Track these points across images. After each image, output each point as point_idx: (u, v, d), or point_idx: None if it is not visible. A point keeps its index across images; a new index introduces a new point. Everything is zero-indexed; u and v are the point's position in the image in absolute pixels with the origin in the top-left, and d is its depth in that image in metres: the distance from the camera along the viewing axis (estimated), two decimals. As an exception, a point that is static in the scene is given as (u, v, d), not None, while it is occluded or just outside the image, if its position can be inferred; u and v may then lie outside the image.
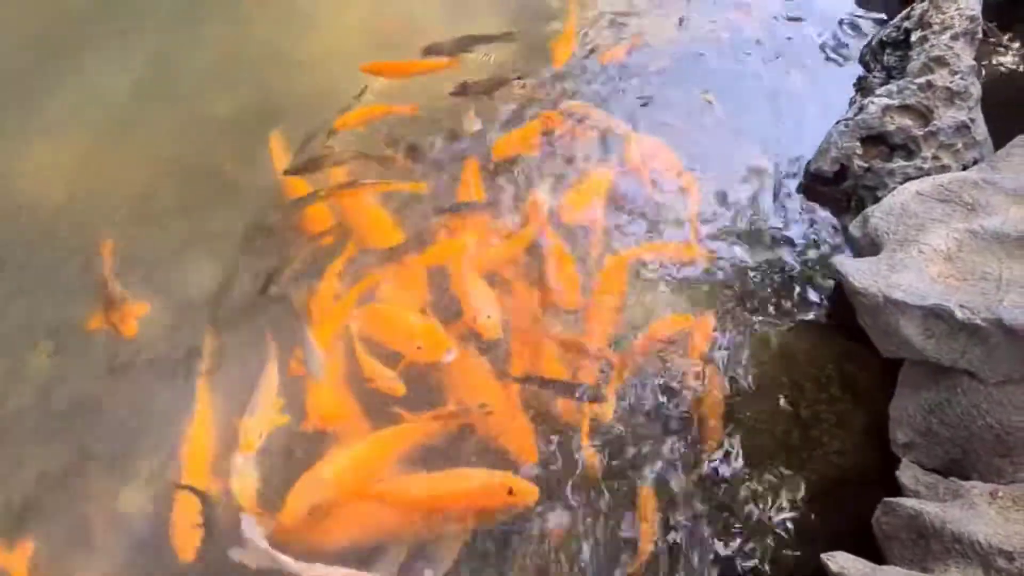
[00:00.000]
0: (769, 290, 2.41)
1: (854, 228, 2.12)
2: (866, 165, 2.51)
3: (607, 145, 2.84)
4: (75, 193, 2.65)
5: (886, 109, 2.52)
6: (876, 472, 1.98)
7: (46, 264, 2.47)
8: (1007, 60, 2.96)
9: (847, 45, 3.18)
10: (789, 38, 3.23)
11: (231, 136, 2.82)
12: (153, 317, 2.33)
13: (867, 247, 2.07)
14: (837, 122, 2.64)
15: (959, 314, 1.71)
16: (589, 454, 2.04)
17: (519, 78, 3.04)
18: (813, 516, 1.98)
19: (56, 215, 2.61)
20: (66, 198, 2.64)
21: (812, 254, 2.50)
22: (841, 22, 3.28)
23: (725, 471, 2.05)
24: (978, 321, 1.69)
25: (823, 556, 1.64)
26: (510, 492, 1.91)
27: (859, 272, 1.87)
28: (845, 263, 1.95)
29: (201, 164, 2.72)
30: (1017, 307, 1.67)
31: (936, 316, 1.75)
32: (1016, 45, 3.01)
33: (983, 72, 2.91)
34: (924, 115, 2.49)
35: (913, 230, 1.96)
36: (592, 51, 3.19)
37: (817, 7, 3.37)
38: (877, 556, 1.77)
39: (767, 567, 1.89)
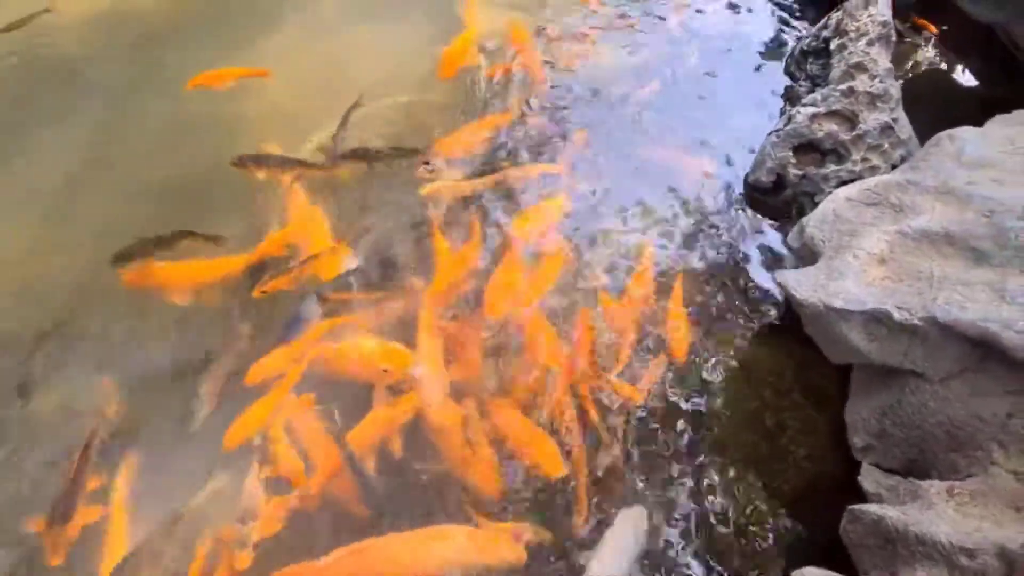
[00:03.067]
0: (723, 305, 2.44)
1: (792, 239, 2.17)
2: (801, 172, 2.57)
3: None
4: (19, 280, 2.61)
5: (814, 117, 2.60)
6: (846, 476, 2.00)
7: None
8: (923, 58, 3.08)
9: (776, 56, 3.29)
10: (729, 50, 3.32)
11: (177, 208, 2.79)
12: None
13: (807, 256, 2.11)
14: (769, 133, 2.71)
15: (897, 316, 1.74)
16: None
17: (427, 162, 2.84)
18: (787, 527, 1.98)
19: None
20: (9, 286, 2.60)
21: (761, 265, 2.54)
22: (768, 35, 3.39)
23: (696, 488, 2.05)
24: (915, 321, 1.72)
25: (793, 573, 1.64)
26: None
27: (799, 284, 1.90)
28: (785, 276, 1.98)
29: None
30: (950, 304, 1.71)
31: (876, 320, 1.78)
32: (931, 43, 3.14)
33: (908, 71, 3.03)
34: (850, 119, 2.57)
35: (847, 236, 2.00)
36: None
37: (744, 22, 3.47)
38: (850, 563, 1.78)
39: (744, 585, 1.89)
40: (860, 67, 2.61)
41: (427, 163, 2.84)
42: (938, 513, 1.58)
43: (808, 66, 2.95)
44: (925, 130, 2.50)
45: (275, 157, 2.89)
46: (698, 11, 3.57)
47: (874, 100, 2.54)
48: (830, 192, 2.36)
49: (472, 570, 1.88)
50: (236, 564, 1.90)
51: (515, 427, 2.14)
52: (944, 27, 3.16)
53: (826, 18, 2.94)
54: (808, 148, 2.60)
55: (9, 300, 2.57)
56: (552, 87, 3.20)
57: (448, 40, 3.41)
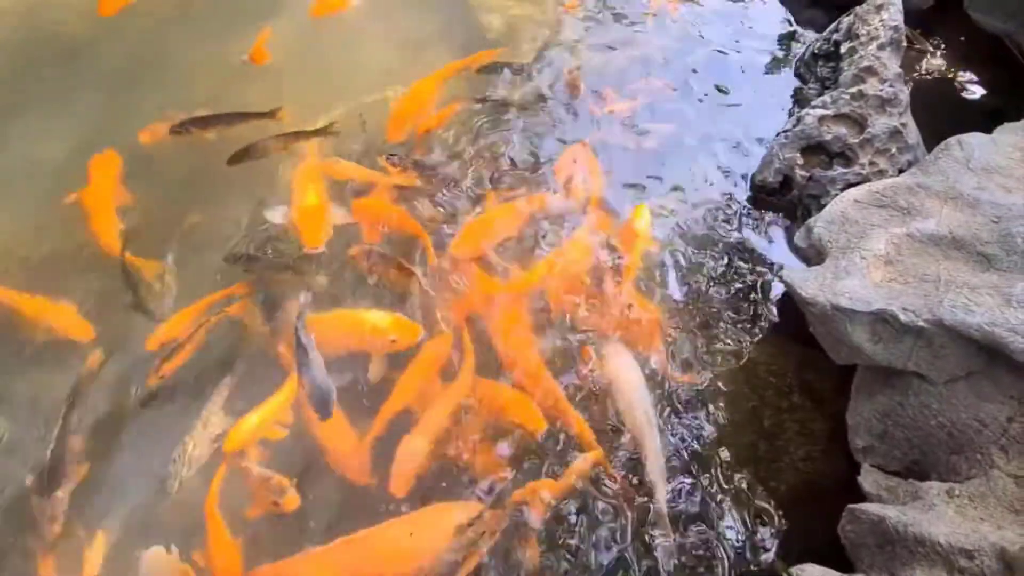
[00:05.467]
0: (726, 304, 2.44)
1: (799, 239, 2.17)
2: (808, 174, 2.57)
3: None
4: (21, 259, 2.58)
5: (822, 119, 2.61)
6: (844, 477, 2.01)
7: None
8: (932, 65, 3.09)
9: (784, 59, 3.28)
10: (738, 51, 3.31)
11: (179, 192, 2.76)
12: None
13: (813, 256, 2.11)
14: (777, 134, 2.71)
15: (903, 317, 1.75)
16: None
17: (393, 155, 2.72)
18: (785, 527, 1.99)
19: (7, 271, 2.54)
20: (11, 264, 2.57)
21: (764, 265, 2.54)
22: (777, 37, 3.39)
23: (695, 486, 2.05)
24: (921, 323, 1.73)
25: (792, 570, 1.64)
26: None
27: (805, 283, 1.90)
28: (792, 275, 1.98)
29: (150, 219, 2.67)
30: (956, 307, 1.71)
31: (882, 321, 1.79)
32: (940, 51, 3.15)
33: (916, 77, 3.04)
34: (859, 123, 2.57)
35: (854, 237, 2.01)
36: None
37: (753, 24, 3.47)
38: (848, 563, 1.78)
39: (741, 583, 1.89)
40: (870, 71, 2.62)
41: (392, 155, 2.73)
42: (938, 514, 1.58)
43: (818, 69, 2.95)
44: (932, 136, 2.52)
45: (218, 116, 2.81)
46: (706, 8, 3.56)
47: (883, 104, 2.54)
48: (836, 194, 2.37)
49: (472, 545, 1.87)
50: (286, 507, 1.94)
51: (494, 394, 2.16)
52: (962, 37, 3.17)
53: (837, 21, 2.95)
54: (816, 150, 2.61)
55: (10, 280, 2.54)
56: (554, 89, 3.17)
57: (458, 32, 3.39)
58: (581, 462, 2.00)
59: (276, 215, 2.59)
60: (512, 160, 2.86)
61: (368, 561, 1.87)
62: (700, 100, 3.10)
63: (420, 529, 1.91)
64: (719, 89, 3.15)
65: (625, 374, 2.15)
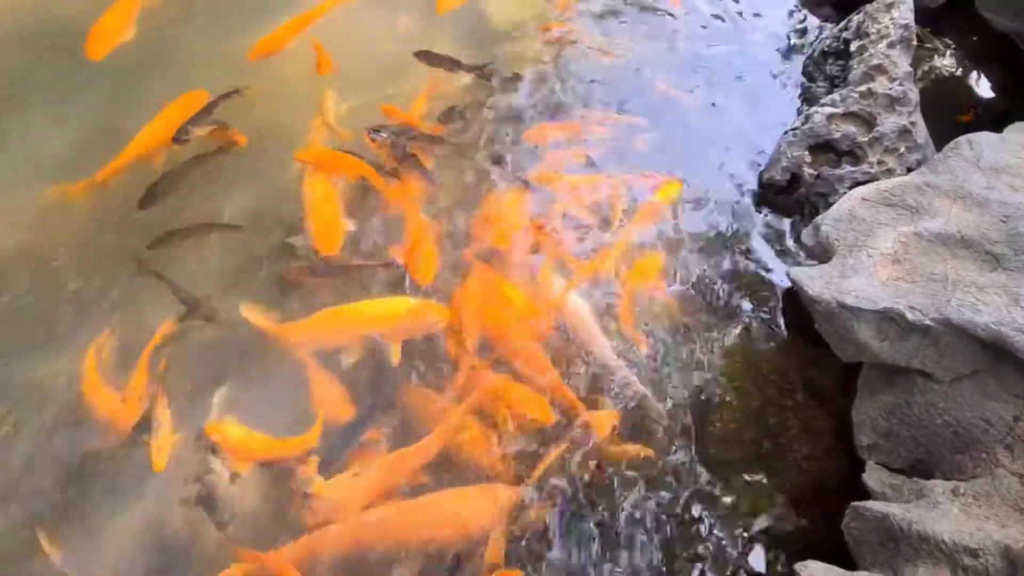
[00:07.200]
0: (730, 301, 2.45)
1: (806, 237, 2.17)
2: (816, 172, 2.57)
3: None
4: (25, 251, 2.60)
5: (831, 117, 2.60)
6: (847, 476, 2.01)
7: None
8: (941, 64, 3.08)
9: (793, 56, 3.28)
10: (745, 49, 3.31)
11: (184, 187, 2.77)
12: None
13: (820, 255, 2.11)
14: (785, 132, 2.71)
15: (910, 316, 1.75)
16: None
17: (377, 130, 2.77)
18: (788, 524, 2.00)
19: (11, 267, 2.56)
20: (16, 254, 2.60)
21: (770, 263, 2.54)
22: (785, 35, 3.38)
23: (697, 484, 2.06)
24: (928, 322, 1.73)
25: (796, 566, 1.65)
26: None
27: (812, 280, 1.91)
28: (798, 272, 1.99)
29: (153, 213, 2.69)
30: (963, 306, 1.71)
31: (889, 319, 1.79)
32: (949, 50, 3.14)
33: (925, 76, 3.03)
34: (868, 121, 2.57)
35: (862, 235, 2.01)
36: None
37: (761, 21, 3.46)
38: (851, 561, 1.79)
39: (744, 579, 1.90)
40: (880, 69, 2.61)
41: (377, 131, 2.77)
42: (942, 512, 1.59)
43: (827, 67, 2.94)
44: (941, 135, 2.51)
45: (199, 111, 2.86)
46: (711, 6, 3.54)
47: (893, 103, 2.54)
48: (844, 193, 2.36)
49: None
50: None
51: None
52: (973, 36, 3.15)
53: (847, 20, 2.94)
54: (824, 148, 2.60)
55: (14, 273, 2.56)
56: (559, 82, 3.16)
57: (463, 26, 3.39)
58: (635, 448, 2.08)
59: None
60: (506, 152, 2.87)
61: (426, 523, 1.92)
62: (713, 104, 3.08)
63: (478, 497, 1.97)
64: (726, 87, 3.14)
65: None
